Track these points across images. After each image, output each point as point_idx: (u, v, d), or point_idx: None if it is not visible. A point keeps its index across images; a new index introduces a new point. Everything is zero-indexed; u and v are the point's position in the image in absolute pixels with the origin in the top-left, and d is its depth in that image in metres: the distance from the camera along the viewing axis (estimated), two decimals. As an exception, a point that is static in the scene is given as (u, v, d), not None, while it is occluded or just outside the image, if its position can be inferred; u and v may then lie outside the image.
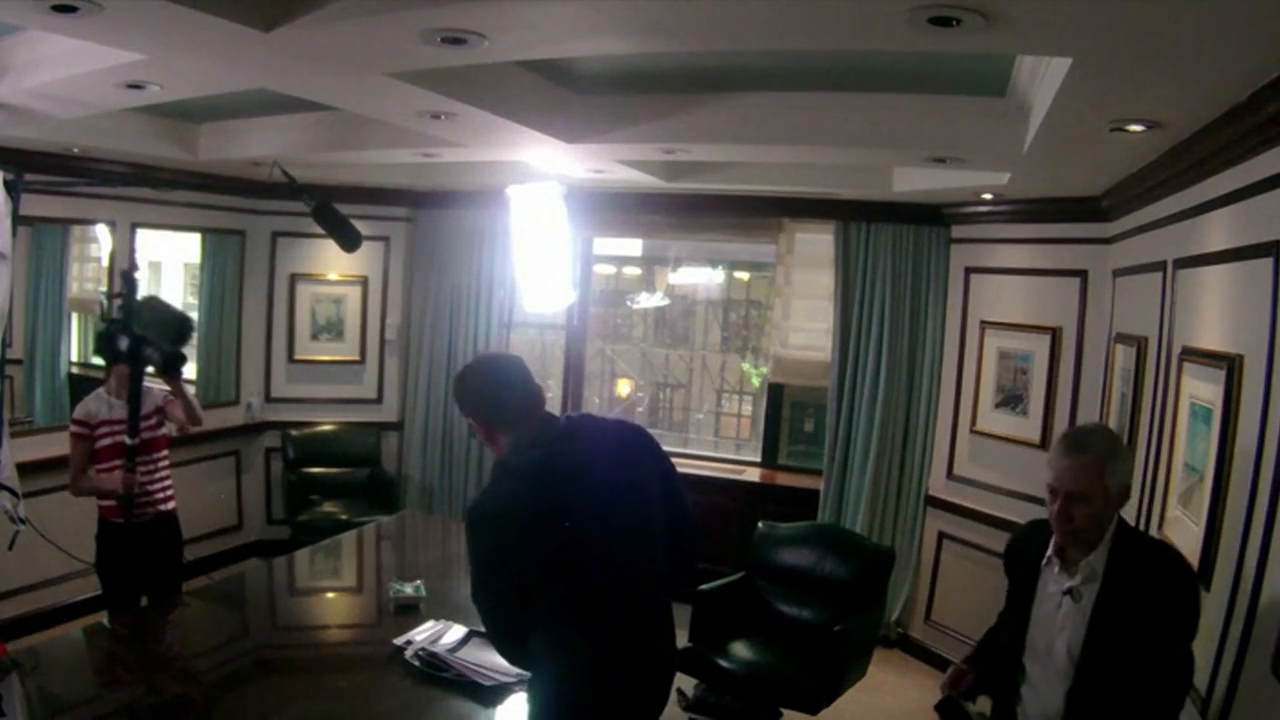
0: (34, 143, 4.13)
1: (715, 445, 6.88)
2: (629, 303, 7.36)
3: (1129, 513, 2.83)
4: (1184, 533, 2.64)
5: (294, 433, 6.06)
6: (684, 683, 3.77)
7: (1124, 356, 3.67)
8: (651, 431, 2.38)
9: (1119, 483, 2.05)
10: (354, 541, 4.14)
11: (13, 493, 3.30)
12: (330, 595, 3.73)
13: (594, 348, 6.86)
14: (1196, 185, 2.82)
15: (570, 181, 5.00)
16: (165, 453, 3.71)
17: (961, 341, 4.90)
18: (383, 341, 6.35)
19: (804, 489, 5.47)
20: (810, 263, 5.55)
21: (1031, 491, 4.18)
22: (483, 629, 2.29)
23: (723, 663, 3.67)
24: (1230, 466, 2.37)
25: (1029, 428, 4.46)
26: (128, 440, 3.33)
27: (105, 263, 5.27)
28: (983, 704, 2.40)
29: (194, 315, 5.07)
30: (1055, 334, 4.36)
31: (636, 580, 2.14)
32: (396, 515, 5.06)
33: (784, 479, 5.75)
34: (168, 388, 3.57)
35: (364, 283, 6.27)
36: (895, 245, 5.13)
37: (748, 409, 7.10)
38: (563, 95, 3.57)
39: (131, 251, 5.11)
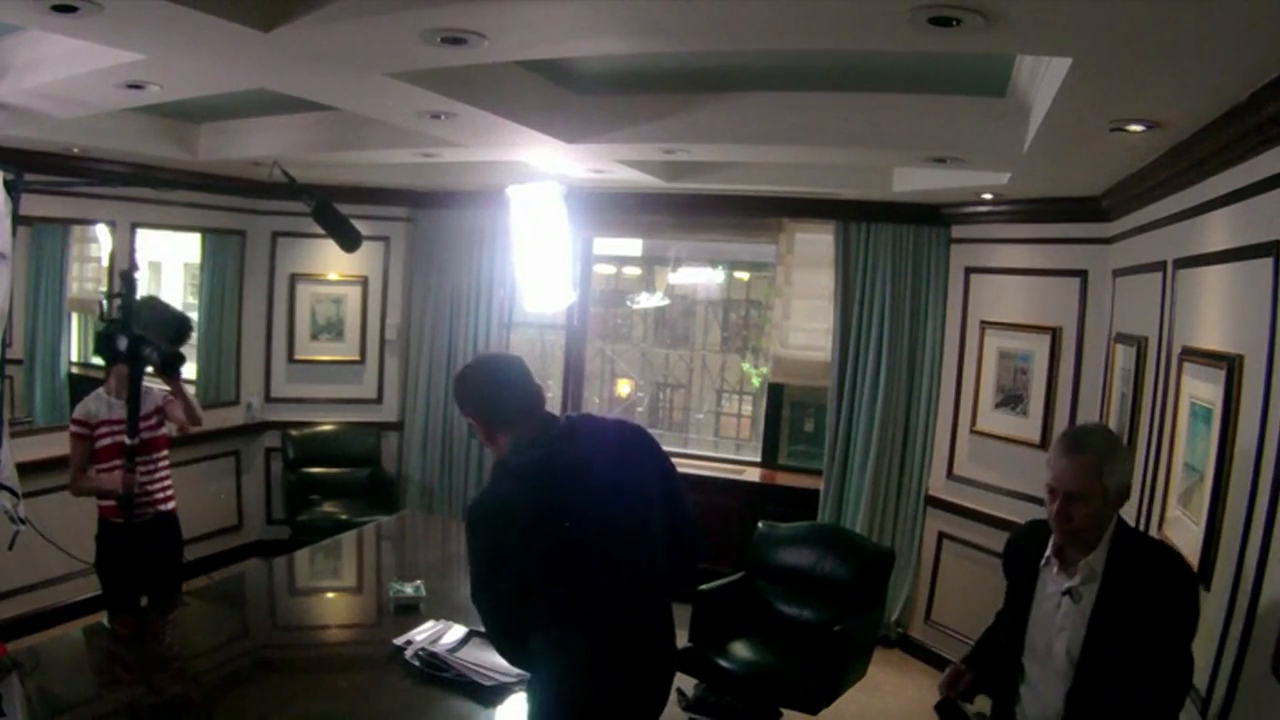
0: (34, 143, 4.13)
1: (715, 445, 6.87)
2: (629, 303, 7.35)
3: (1129, 513, 2.83)
4: (1184, 533, 2.64)
5: (294, 433, 6.06)
6: (684, 683, 3.76)
7: (1124, 356, 3.67)
8: (651, 431, 2.38)
9: (1118, 483, 2.05)
10: (354, 541, 4.14)
11: (13, 493, 3.30)
12: (330, 595, 3.73)
13: (594, 348, 6.86)
14: (1196, 185, 2.82)
15: (570, 181, 4.99)
16: (165, 453, 3.71)
17: (961, 341, 4.90)
18: (383, 341, 6.35)
19: (804, 489, 5.47)
20: (810, 263, 5.55)
21: (1031, 491, 4.18)
22: (483, 629, 2.29)
23: (723, 663, 3.67)
24: (1230, 466, 2.36)
25: (1029, 428, 4.46)
26: (127, 440, 3.33)
27: (105, 263, 5.27)
28: (981, 704, 2.40)
29: (194, 315, 5.08)
30: (1055, 334, 4.36)
31: (636, 580, 2.14)
32: (396, 515, 5.06)
33: (784, 479, 5.75)
34: (167, 388, 3.57)
35: (364, 283, 6.27)
36: (895, 245, 5.13)
37: (748, 409, 7.10)
38: (563, 95, 3.57)
39: (131, 251, 5.11)
